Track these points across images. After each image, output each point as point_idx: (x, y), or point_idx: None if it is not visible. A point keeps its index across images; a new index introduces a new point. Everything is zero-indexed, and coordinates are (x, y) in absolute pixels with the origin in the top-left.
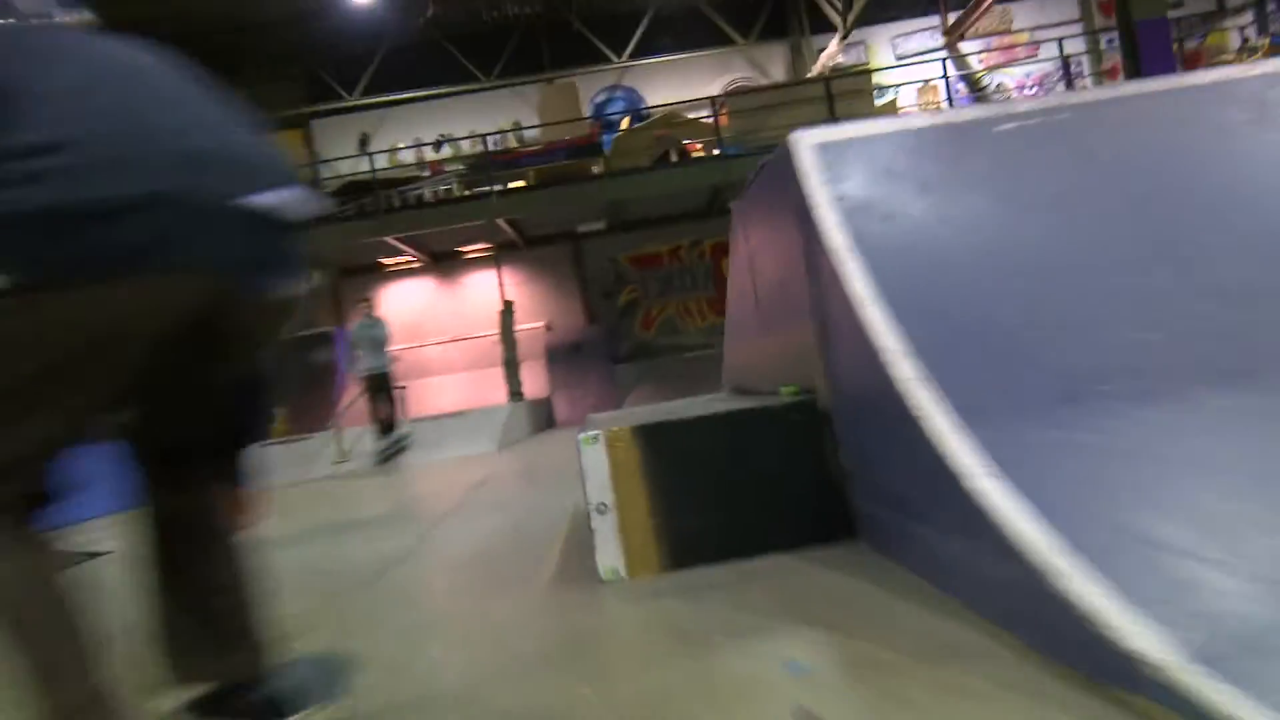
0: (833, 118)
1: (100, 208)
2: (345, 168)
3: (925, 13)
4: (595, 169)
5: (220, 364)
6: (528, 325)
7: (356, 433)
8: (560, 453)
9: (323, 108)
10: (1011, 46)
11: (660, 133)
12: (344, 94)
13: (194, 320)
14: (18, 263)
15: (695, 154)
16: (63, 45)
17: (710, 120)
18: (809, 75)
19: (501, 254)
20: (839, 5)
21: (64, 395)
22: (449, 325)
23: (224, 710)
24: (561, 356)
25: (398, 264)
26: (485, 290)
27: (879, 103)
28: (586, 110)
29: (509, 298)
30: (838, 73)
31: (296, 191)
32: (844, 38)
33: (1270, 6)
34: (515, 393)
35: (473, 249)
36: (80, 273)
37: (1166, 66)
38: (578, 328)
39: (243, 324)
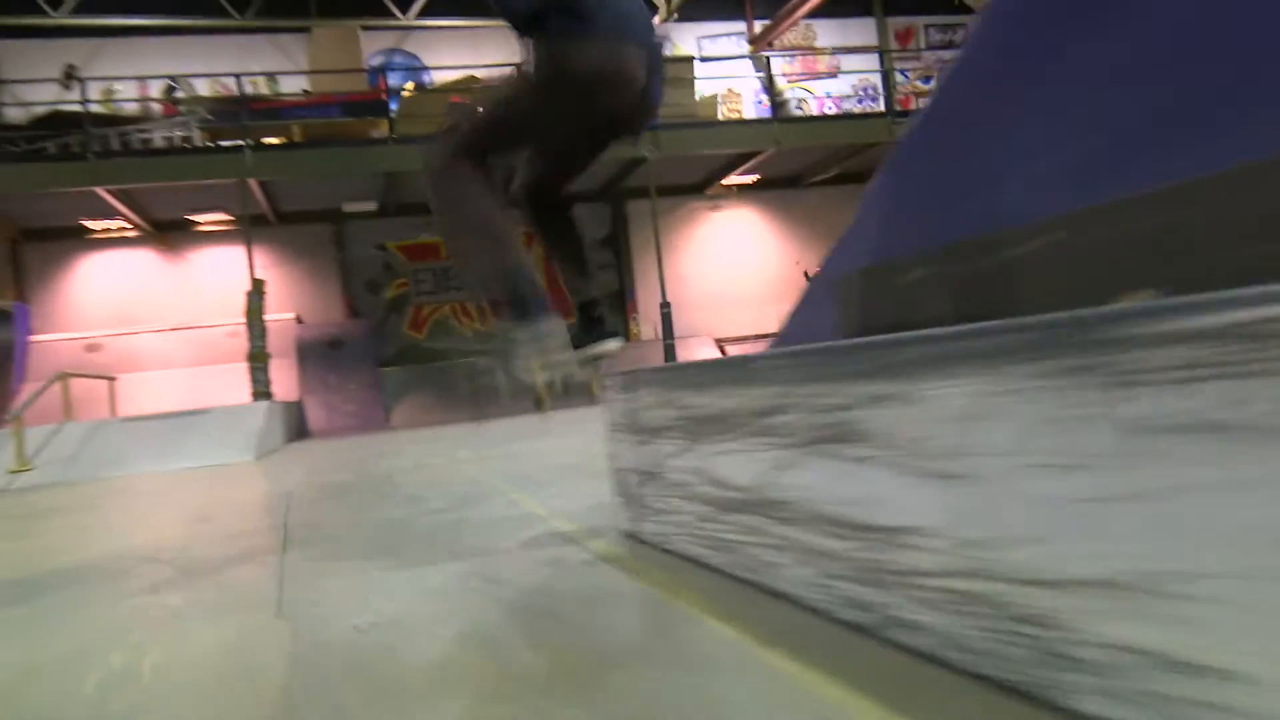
0: None
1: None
2: (45, 98)
3: (731, 17)
4: (376, 133)
5: (614, 138)
6: (276, 316)
7: (50, 431)
8: (354, 459)
9: (12, 22)
10: (814, 61)
11: (460, 100)
12: (46, 8)
13: (630, 102)
14: (600, 29)
15: None
16: None
17: None
18: None
19: (246, 229)
20: None
21: (561, 122)
22: (173, 311)
23: (593, 312)
24: (316, 354)
25: (107, 230)
26: (221, 271)
27: (699, 96)
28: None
29: (259, 278)
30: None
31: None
32: (664, 20)
33: None
34: (262, 392)
35: (210, 220)
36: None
37: None
38: (336, 322)
39: (639, 117)
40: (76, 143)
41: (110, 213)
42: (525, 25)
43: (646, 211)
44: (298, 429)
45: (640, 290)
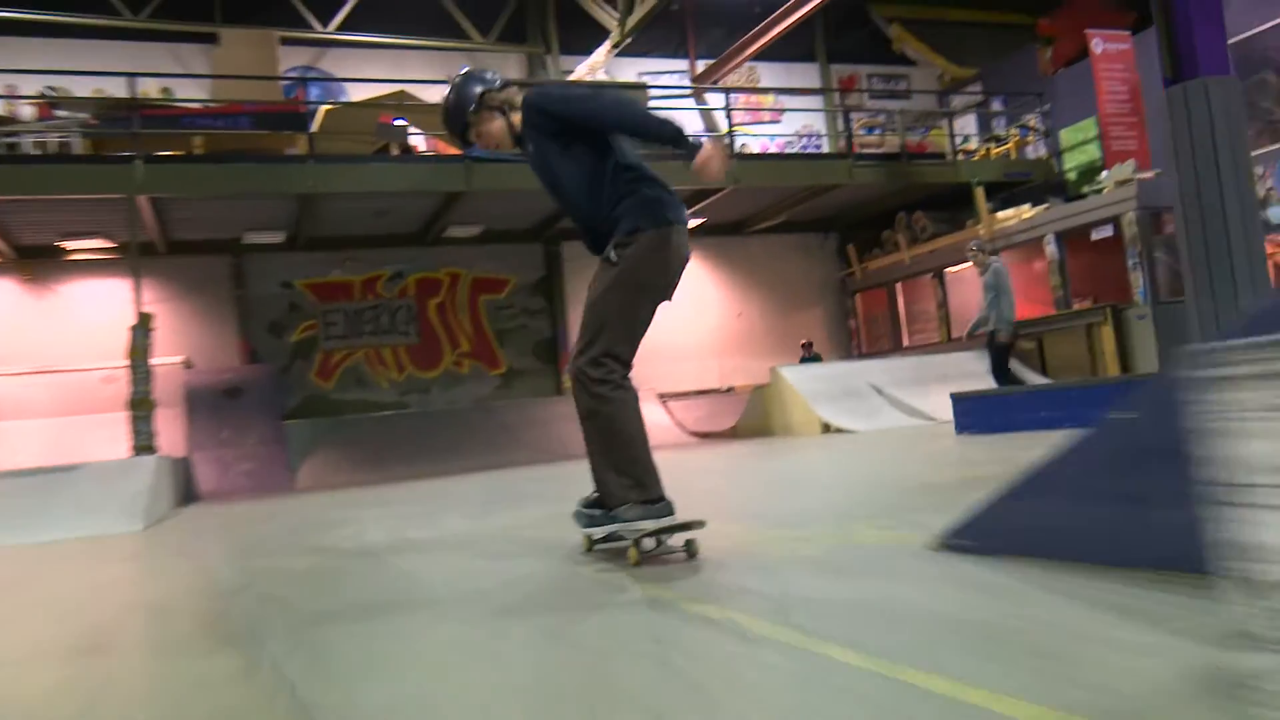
0: None
1: (669, 197)
2: None
3: (675, 54)
4: (291, 149)
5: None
6: (161, 359)
7: None
8: (283, 529)
9: None
10: (758, 108)
11: (388, 118)
12: None
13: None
14: (656, 220)
15: (425, 155)
16: None
17: None
18: (575, 78)
19: (134, 257)
20: (615, 11)
21: (651, 301)
22: (35, 351)
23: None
24: (208, 404)
25: None
26: (95, 307)
27: None
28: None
29: (145, 311)
30: (612, 83)
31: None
32: (616, 45)
33: (996, 108)
34: (145, 446)
35: (85, 247)
36: (675, 221)
37: None
38: (232, 367)
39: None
40: None
41: None
42: (607, 237)
43: (581, 254)
44: (185, 490)
45: (574, 339)
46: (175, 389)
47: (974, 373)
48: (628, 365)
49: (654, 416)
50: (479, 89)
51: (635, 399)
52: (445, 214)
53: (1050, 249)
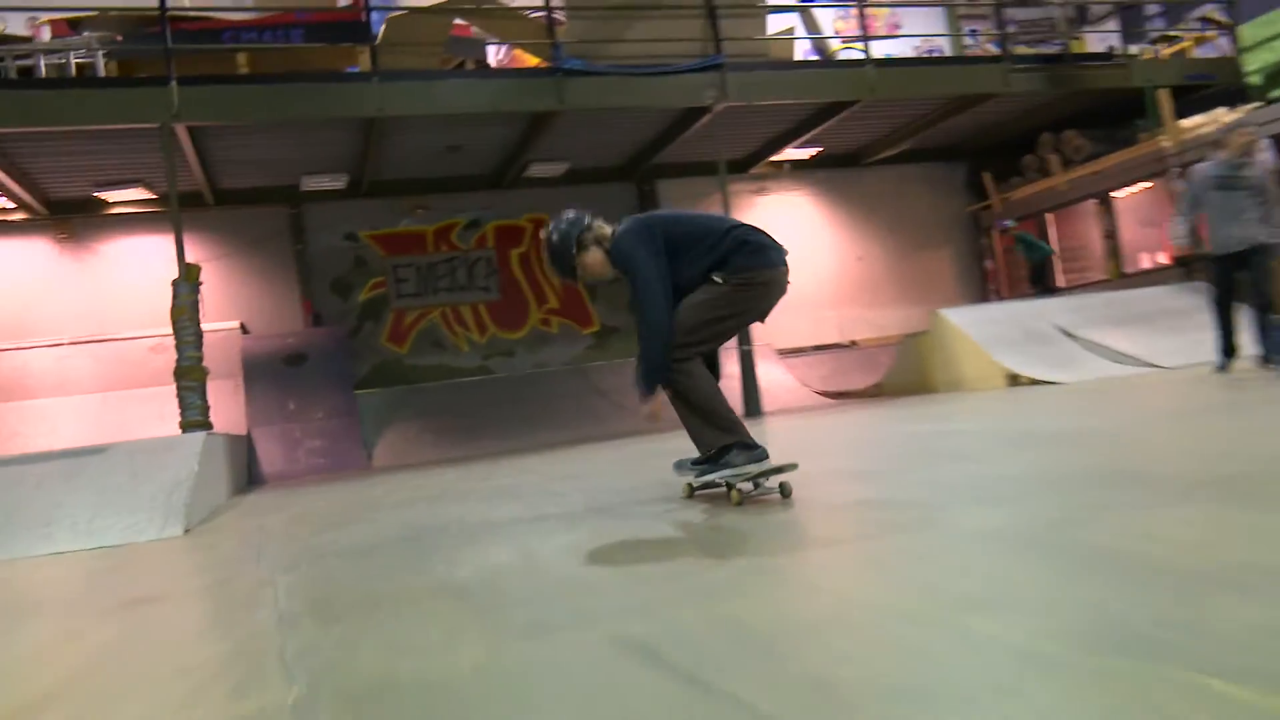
0: (714, 37)
1: (772, 243)
2: None
3: None
4: (352, 66)
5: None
6: (215, 325)
7: None
8: (404, 526)
9: None
10: (871, 20)
11: (463, 25)
12: None
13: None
14: (762, 262)
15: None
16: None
17: (541, 16)
18: None
19: (173, 198)
20: None
21: (739, 319)
22: (75, 320)
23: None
24: (269, 374)
25: None
26: (141, 267)
27: (772, 30)
28: None
29: (192, 263)
30: None
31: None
32: None
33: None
34: (196, 422)
35: (123, 199)
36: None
37: None
38: (293, 331)
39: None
40: None
41: None
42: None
43: (680, 193)
44: (246, 473)
45: None
46: (232, 357)
47: (1177, 310)
48: (699, 350)
49: (774, 375)
50: (577, 231)
51: (701, 366)
52: (526, 148)
53: (1268, 155)
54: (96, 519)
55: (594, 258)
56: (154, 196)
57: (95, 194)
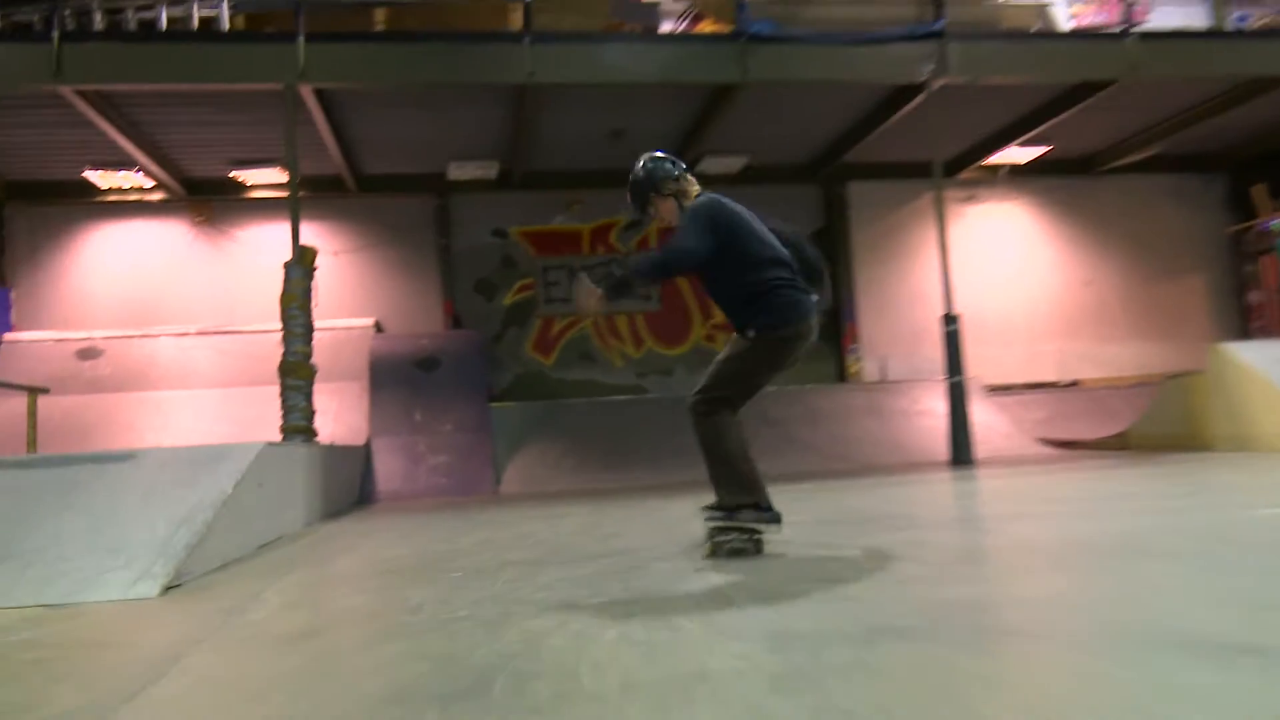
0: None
1: (804, 299)
2: None
3: None
4: (504, 27)
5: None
6: (345, 321)
7: None
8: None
9: None
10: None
11: None
12: None
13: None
14: (789, 320)
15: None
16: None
17: None
18: None
19: (314, 200)
20: None
21: (772, 372)
22: (207, 308)
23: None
24: (398, 378)
25: (120, 190)
26: (275, 258)
27: None
28: None
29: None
30: None
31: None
32: None
33: None
34: (299, 427)
35: (262, 180)
36: (805, 319)
37: None
38: (429, 333)
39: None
40: (37, 15)
41: (121, 158)
42: (741, 328)
43: (874, 198)
44: (357, 489)
45: (864, 309)
46: (363, 357)
47: None
48: (731, 406)
49: (982, 417)
50: (666, 176)
51: (732, 419)
52: (700, 137)
53: None
54: (62, 558)
55: (669, 207)
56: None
57: (231, 174)
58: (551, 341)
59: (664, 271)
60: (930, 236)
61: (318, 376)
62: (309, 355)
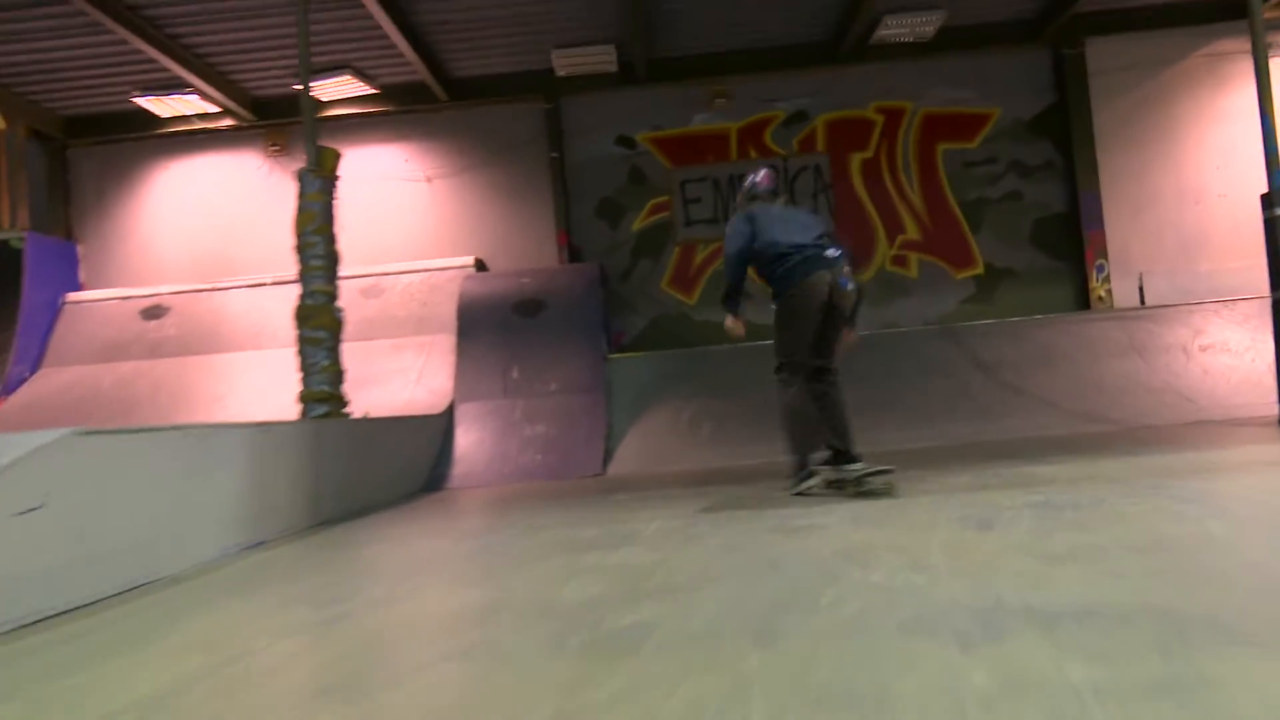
0: None
1: (802, 264)
2: None
3: None
4: None
5: (832, 322)
6: (438, 261)
7: None
8: None
9: None
10: None
11: None
12: None
13: (828, 301)
14: (793, 283)
15: None
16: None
17: None
18: None
19: (398, 118)
20: None
21: (802, 319)
22: (281, 255)
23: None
24: (491, 328)
25: (184, 119)
26: (361, 190)
27: None
28: None
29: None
30: None
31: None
32: None
33: None
34: (321, 395)
35: (336, 93)
36: (807, 277)
37: None
38: (539, 269)
39: (838, 302)
40: None
41: (170, 80)
42: (773, 296)
43: (1123, 58)
44: (430, 467)
45: (1113, 211)
46: (450, 304)
47: None
48: (803, 364)
49: None
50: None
51: (797, 389)
52: None
53: None
54: None
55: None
56: (373, 91)
57: (296, 85)
58: (694, 275)
59: (729, 280)
60: (1205, 108)
61: (404, 329)
62: (333, 296)
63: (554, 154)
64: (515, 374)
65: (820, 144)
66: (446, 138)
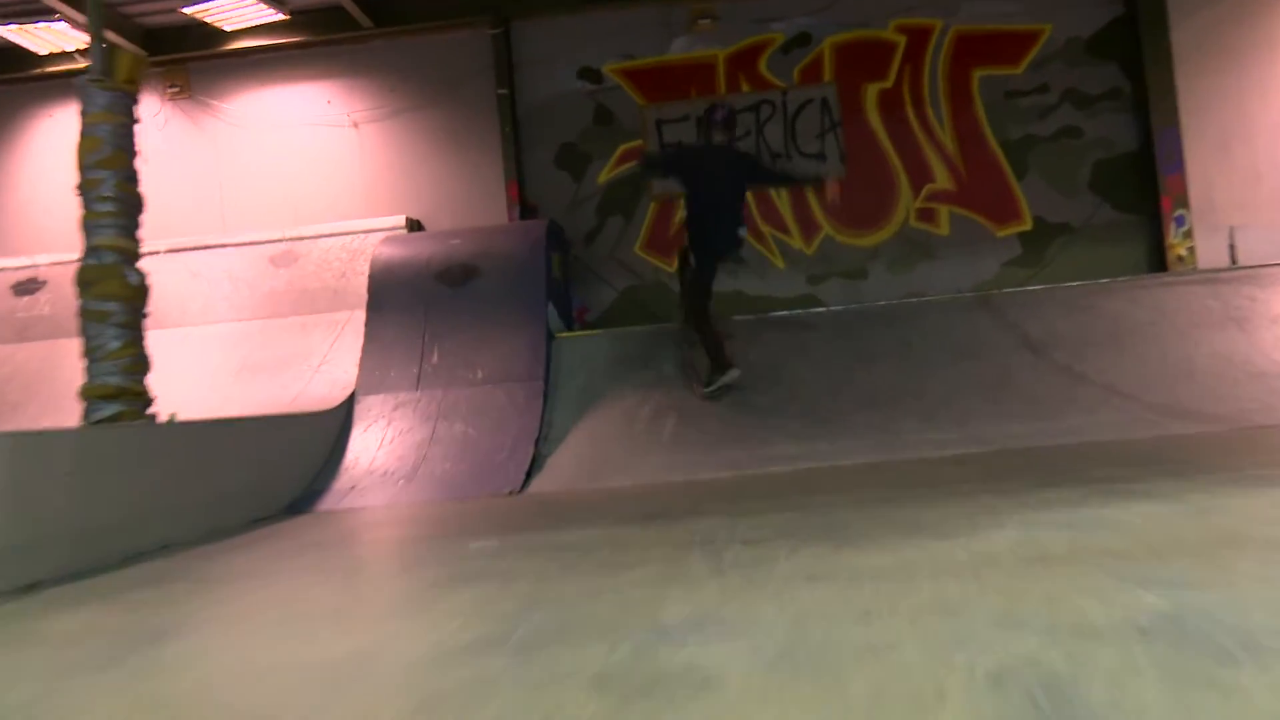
0: None
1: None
2: None
3: None
4: None
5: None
6: (363, 222)
7: None
8: None
9: None
10: None
11: None
12: None
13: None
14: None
15: None
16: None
17: None
18: None
19: (322, 53)
20: None
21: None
22: (182, 219)
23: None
24: (409, 301)
25: (69, 58)
26: (274, 137)
27: None
28: None
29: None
30: None
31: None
32: None
33: None
34: (106, 391)
35: (242, 22)
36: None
37: None
38: (468, 230)
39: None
40: None
41: (31, 4)
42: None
43: None
44: (309, 479)
45: (1195, 151)
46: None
47: None
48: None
49: None
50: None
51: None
52: None
53: None
54: None
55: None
56: (282, 17)
57: (186, 9)
58: (674, 236)
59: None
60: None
61: (317, 304)
62: (132, 255)
63: (502, 90)
64: (435, 359)
65: (827, 72)
66: (375, 74)
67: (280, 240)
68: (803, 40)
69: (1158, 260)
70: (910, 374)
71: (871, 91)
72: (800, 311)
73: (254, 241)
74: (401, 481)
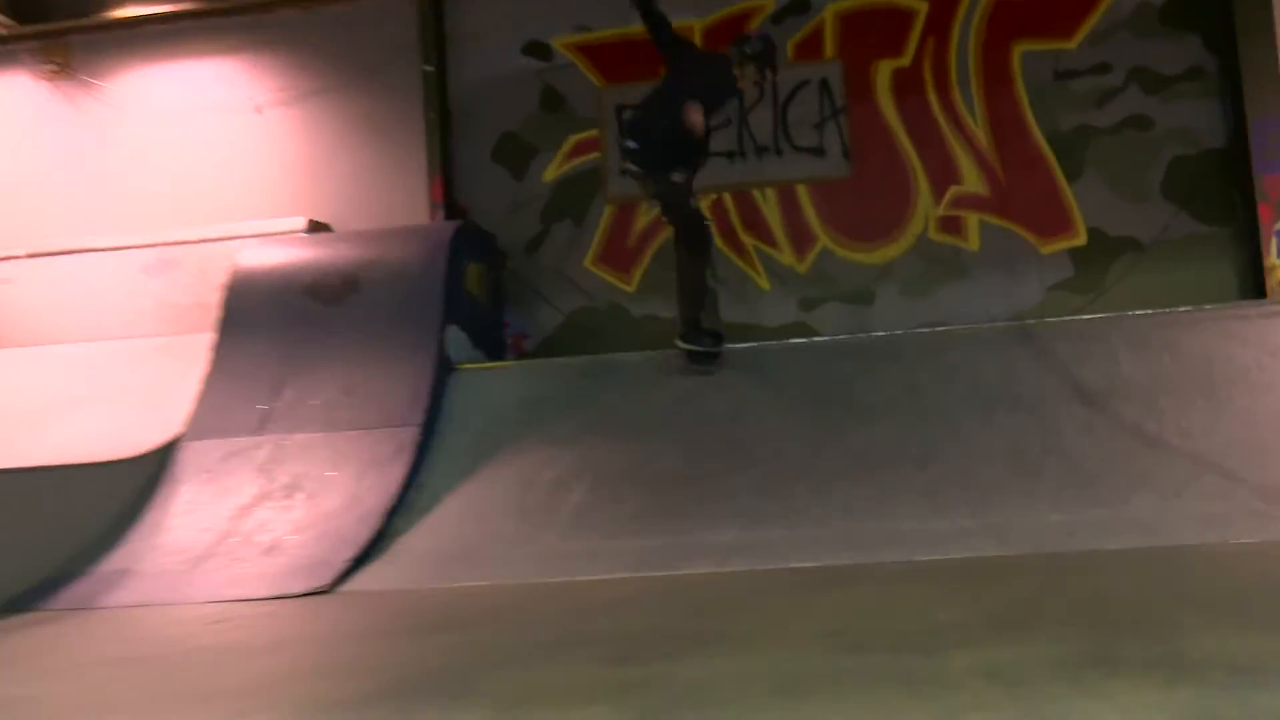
0: None
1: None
2: None
3: None
4: None
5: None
6: (256, 223)
7: None
8: None
9: None
10: None
11: None
12: None
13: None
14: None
15: None
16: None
17: None
18: None
19: (225, 26)
20: None
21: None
22: (63, 214)
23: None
24: (268, 320)
25: None
26: (165, 123)
27: None
28: None
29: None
30: None
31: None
32: None
33: None
34: None
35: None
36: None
37: None
38: (354, 235)
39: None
40: None
41: None
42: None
43: None
44: (69, 556)
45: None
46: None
47: None
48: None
49: None
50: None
51: None
52: None
53: None
54: None
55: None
56: None
57: None
58: (633, 248)
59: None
60: None
61: (184, 323)
62: None
63: (428, 67)
64: (288, 394)
65: (830, 47)
66: (284, 50)
67: (155, 245)
68: (799, 7)
69: (1252, 284)
70: (915, 431)
71: (884, 71)
72: (774, 343)
73: (126, 246)
74: (184, 570)
